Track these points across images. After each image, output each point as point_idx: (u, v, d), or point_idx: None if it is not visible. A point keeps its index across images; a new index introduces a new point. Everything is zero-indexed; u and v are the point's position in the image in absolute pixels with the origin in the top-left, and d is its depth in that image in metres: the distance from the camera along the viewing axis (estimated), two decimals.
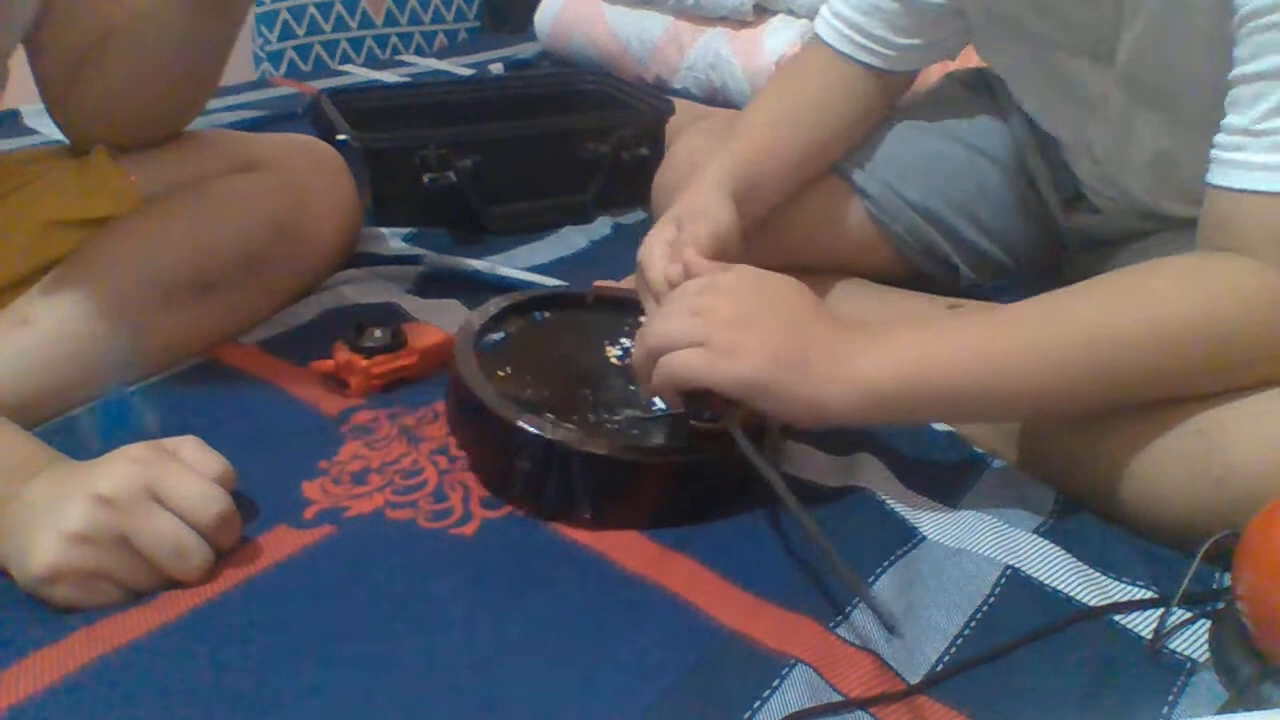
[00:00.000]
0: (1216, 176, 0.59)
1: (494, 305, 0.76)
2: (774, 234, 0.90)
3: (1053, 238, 0.92)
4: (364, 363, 0.77)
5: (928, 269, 0.92)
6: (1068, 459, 0.67)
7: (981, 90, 0.95)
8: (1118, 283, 0.61)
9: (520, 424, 0.63)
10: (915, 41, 0.84)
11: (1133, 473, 0.62)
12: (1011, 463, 0.72)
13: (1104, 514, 0.65)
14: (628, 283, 0.90)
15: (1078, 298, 0.60)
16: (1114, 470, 0.63)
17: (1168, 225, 0.80)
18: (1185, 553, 0.58)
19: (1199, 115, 0.63)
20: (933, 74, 1.02)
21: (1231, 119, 0.58)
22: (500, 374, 0.70)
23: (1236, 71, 0.58)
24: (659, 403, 0.70)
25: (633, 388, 0.71)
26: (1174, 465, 0.60)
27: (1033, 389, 0.60)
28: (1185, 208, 0.77)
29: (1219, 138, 0.59)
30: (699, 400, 0.62)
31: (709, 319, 0.60)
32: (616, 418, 0.68)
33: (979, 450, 0.73)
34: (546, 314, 0.79)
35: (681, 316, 0.61)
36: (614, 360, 0.75)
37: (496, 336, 0.75)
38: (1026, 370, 0.59)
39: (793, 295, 0.63)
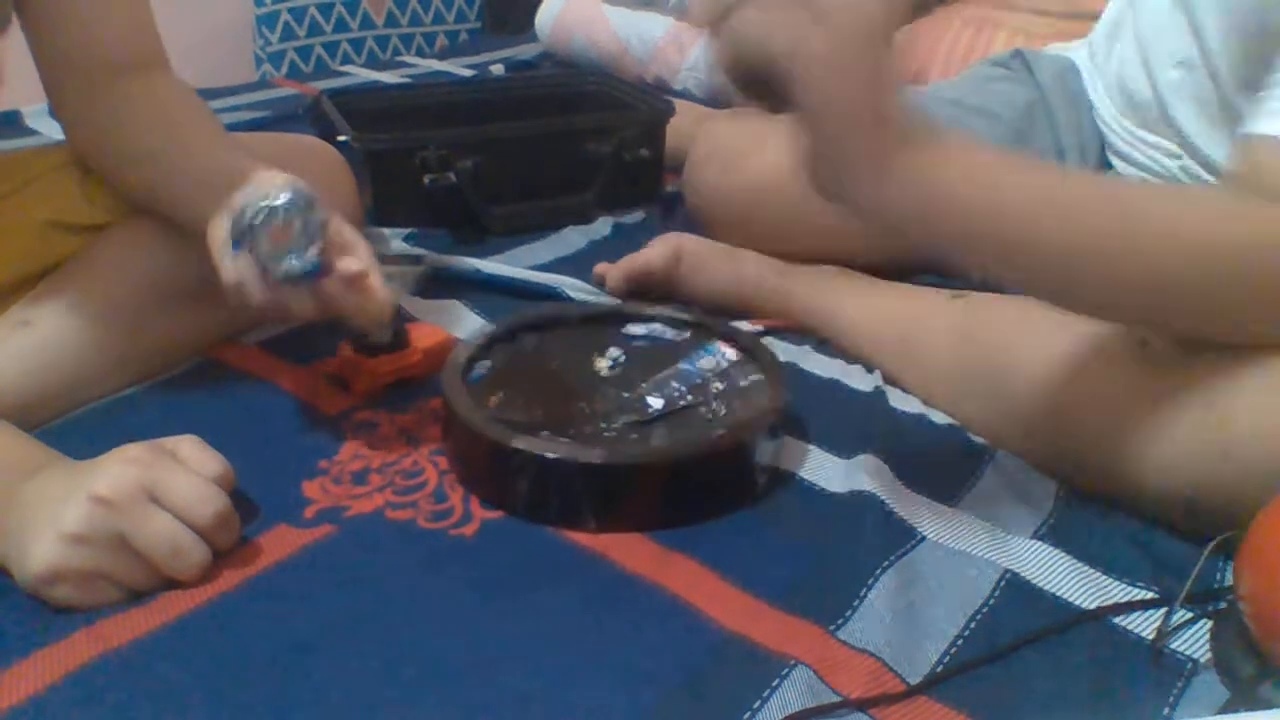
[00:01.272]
0: (1254, 124, 0.59)
1: (479, 337, 0.76)
2: (792, 196, 0.90)
3: None
4: (368, 363, 0.77)
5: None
6: (1073, 436, 0.67)
7: (1017, 68, 0.95)
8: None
9: (514, 444, 0.64)
10: None
11: (1139, 445, 0.62)
12: (1014, 446, 0.72)
13: (1109, 491, 0.65)
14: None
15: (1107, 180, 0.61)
16: (1120, 444, 0.63)
17: None
18: (1188, 540, 0.58)
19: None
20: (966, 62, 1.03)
21: (1277, 75, 0.59)
22: (492, 401, 0.70)
23: None
24: (654, 404, 0.70)
25: (626, 395, 0.71)
26: (1180, 437, 0.59)
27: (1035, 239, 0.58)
28: (1211, 140, 0.77)
29: (1267, 92, 0.59)
30: (754, 86, 0.58)
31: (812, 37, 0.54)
32: (614, 425, 0.68)
33: (980, 440, 0.73)
34: (531, 338, 0.79)
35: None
36: (604, 372, 0.75)
37: (485, 367, 0.75)
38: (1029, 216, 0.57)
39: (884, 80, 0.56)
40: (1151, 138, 0.84)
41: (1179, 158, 0.82)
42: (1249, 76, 0.61)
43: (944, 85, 0.98)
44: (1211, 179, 0.81)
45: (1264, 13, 0.66)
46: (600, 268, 0.91)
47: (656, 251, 0.90)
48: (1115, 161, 0.89)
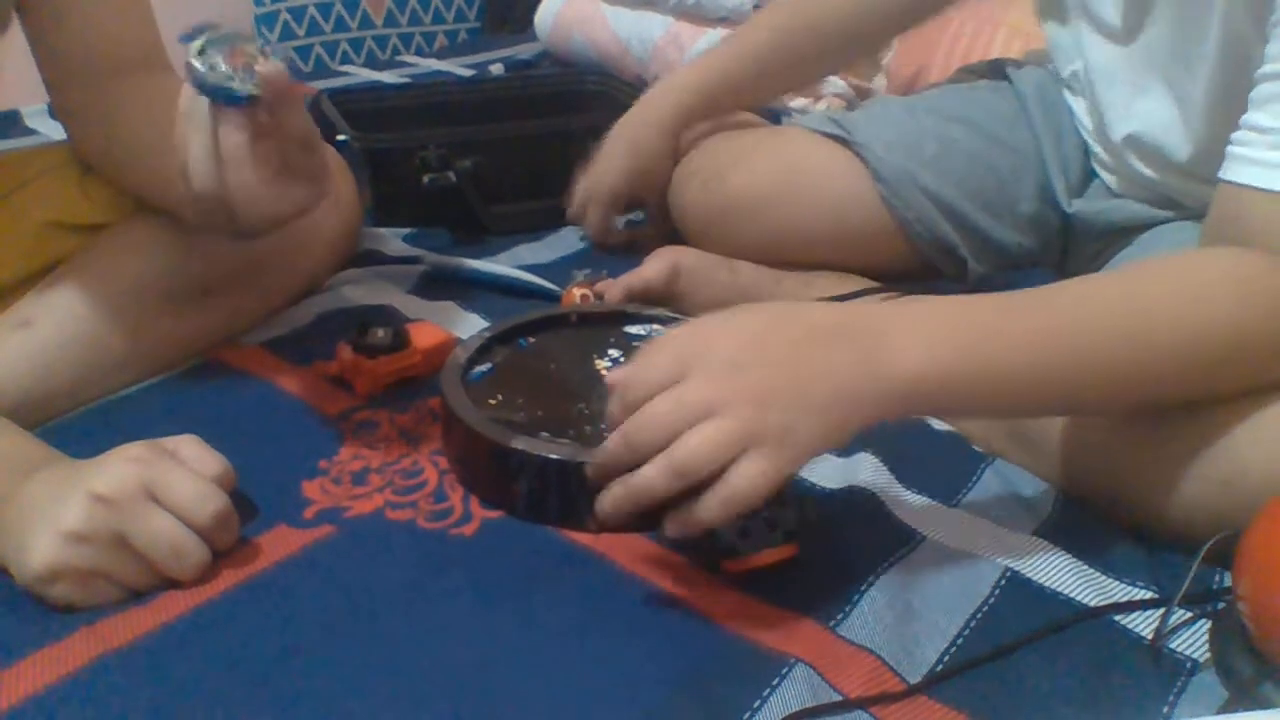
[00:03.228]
0: (1226, 171, 0.60)
1: (477, 338, 0.76)
2: (778, 211, 0.91)
3: (1064, 229, 0.92)
4: (369, 363, 0.77)
5: (935, 260, 0.92)
6: (1072, 458, 0.67)
7: (998, 77, 0.95)
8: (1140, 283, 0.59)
9: (514, 445, 0.64)
10: None
11: (1138, 471, 0.62)
12: (1013, 461, 0.72)
13: (1107, 513, 0.65)
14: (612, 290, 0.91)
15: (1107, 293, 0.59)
16: (1119, 469, 0.63)
17: (1183, 214, 0.80)
18: (1187, 552, 0.58)
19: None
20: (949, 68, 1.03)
21: (1249, 116, 0.59)
22: (491, 402, 0.70)
23: (1264, 70, 0.58)
24: None
25: None
26: (1181, 464, 0.59)
27: (1068, 397, 0.59)
28: (1181, 181, 0.77)
29: (1235, 134, 0.60)
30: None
31: (739, 411, 0.51)
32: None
33: (979, 449, 0.73)
34: (531, 339, 0.79)
35: (710, 423, 0.51)
36: (604, 372, 0.75)
37: (484, 368, 0.75)
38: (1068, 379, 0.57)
39: (786, 328, 0.55)
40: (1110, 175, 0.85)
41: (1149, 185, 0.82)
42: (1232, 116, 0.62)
43: (923, 94, 0.98)
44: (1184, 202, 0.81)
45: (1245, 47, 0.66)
46: (600, 285, 0.91)
47: (654, 268, 0.90)
48: (1100, 171, 0.88)
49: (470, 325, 0.89)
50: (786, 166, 0.93)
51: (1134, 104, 0.78)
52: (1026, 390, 0.57)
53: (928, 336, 0.55)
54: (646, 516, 0.64)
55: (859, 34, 0.99)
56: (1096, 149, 0.87)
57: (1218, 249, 0.61)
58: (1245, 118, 0.59)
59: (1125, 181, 0.85)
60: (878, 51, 1.09)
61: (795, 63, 1.01)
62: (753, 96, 1.06)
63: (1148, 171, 0.80)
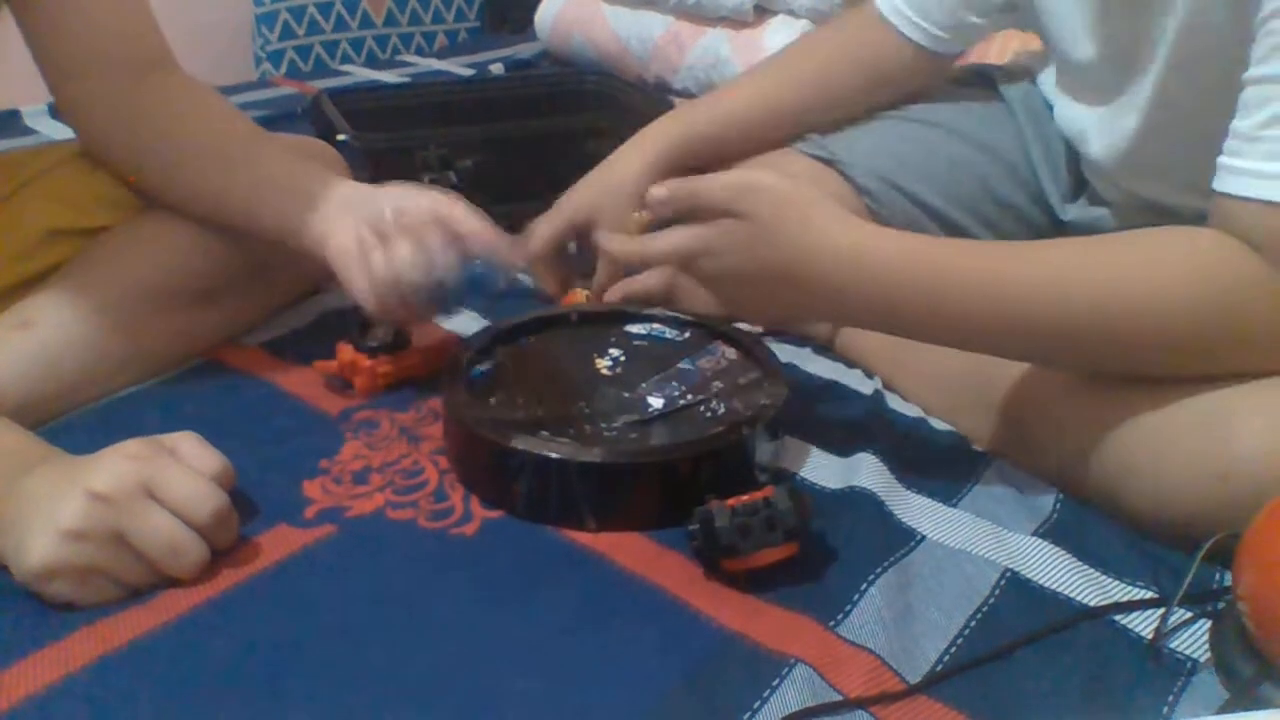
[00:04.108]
0: (1217, 182, 0.59)
1: (479, 337, 0.77)
2: None
3: (1059, 235, 0.92)
4: (369, 362, 0.77)
5: None
6: (1072, 454, 0.67)
7: (981, 85, 0.95)
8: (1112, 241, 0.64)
9: (514, 444, 0.64)
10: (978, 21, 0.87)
11: (1137, 466, 0.62)
12: (1013, 459, 0.72)
13: (1107, 509, 0.65)
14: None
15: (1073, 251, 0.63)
16: (1118, 464, 0.63)
17: (1177, 219, 0.80)
18: (1186, 551, 0.58)
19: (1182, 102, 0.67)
20: None
21: (1236, 123, 0.58)
22: (492, 402, 0.71)
23: (1249, 73, 0.57)
24: (654, 404, 0.70)
25: (626, 394, 0.71)
26: (1179, 458, 0.59)
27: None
28: (1176, 195, 0.77)
29: (1225, 143, 0.59)
30: None
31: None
32: (614, 425, 0.68)
33: (979, 449, 0.73)
34: (531, 339, 0.79)
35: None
36: (604, 371, 0.75)
37: (484, 368, 0.75)
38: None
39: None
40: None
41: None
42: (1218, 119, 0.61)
43: (920, 103, 0.96)
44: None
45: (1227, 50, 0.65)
46: (598, 287, 0.91)
47: (655, 274, 0.90)
48: (1091, 176, 0.88)
49: (470, 325, 0.89)
50: None
51: (1106, 124, 0.78)
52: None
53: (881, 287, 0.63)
54: (645, 516, 0.64)
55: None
56: (1092, 171, 0.87)
57: (1190, 231, 0.60)
58: (1234, 124, 0.58)
59: (1113, 190, 0.85)
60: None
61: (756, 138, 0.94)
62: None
63: (1131, 185, 0.80)
